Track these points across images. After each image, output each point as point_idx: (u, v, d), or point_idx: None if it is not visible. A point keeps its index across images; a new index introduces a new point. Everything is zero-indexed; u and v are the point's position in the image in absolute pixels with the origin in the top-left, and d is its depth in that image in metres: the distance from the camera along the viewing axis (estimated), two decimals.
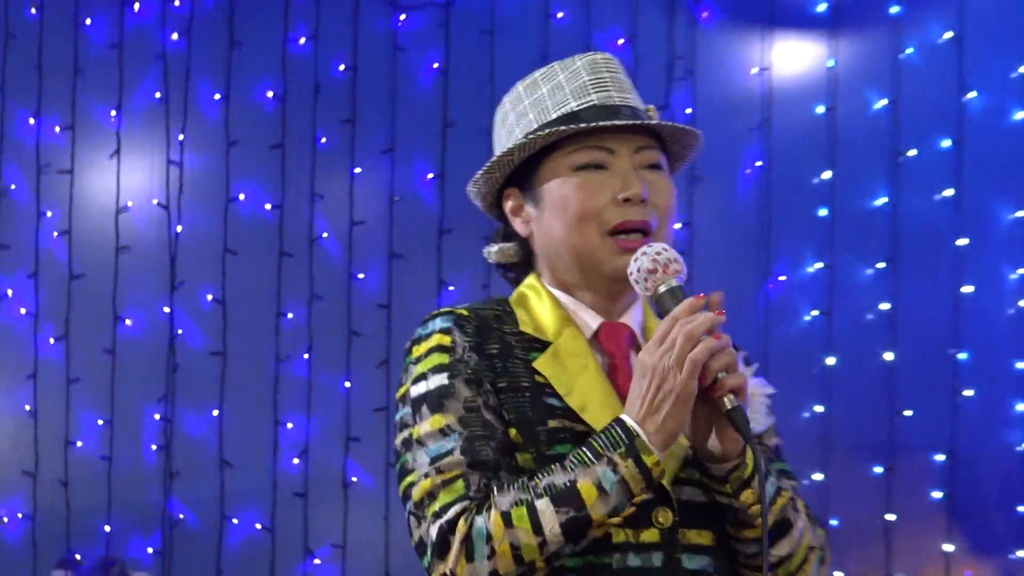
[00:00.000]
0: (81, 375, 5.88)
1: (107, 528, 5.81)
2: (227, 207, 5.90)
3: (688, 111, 5.94)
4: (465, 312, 2.22)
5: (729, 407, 2.05)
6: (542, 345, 2.21)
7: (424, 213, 5.90)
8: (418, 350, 2.20)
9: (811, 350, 5.87)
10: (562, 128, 2.19)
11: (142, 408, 5.87)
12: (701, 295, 2.09)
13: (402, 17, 5.93)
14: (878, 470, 5.93)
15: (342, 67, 5.94)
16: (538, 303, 2.25)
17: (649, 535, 2.12)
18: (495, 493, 2.08)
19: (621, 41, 5.92)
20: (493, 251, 2.34)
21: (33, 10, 5.91)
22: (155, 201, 5.91)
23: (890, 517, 5.92)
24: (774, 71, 6.03)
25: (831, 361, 5.87)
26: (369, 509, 5.82)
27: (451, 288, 5.78)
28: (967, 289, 5.94)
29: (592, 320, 2.24)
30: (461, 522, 2.07)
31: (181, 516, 5.83)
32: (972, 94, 5.98)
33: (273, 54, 5.93)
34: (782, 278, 5.99)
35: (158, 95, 5.90)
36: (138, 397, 5.87)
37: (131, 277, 5.89)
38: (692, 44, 6.01)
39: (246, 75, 5.94)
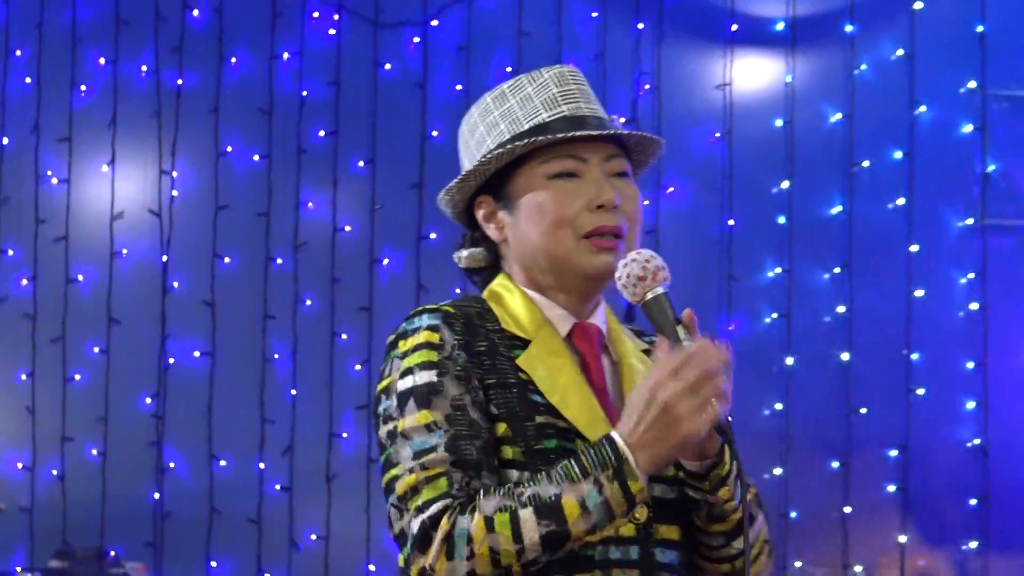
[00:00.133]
0: (77, 374, 5.85)
1: (101, 520, 5.79)
2: (216, 214, 5.89)
3: (654, 124, 5.95)
4: (451, 309, 2.19)
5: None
6: (522, 343, 2.19)
7: (403, 221, 5.88)
8: (404, 345, 2.16)
9: (771, 351, 5.90)
10: (540, 139, 2.19)
11: (135, 406, 5.83)
12: (691, 314, 2.10)
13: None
14: (835, 465, 5.97)
15: (326, 82, 5.96)
16: (513, 302, 2.23)
17: (626, 529, 2.13)
18: (481, 496, 2.06)
19: (590, 57, 5.96)
20: (463, 256, 2.32)
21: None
22: (148, 209, 5.91)
23: (847, 510, 5.95)
24: (735, 86, 6.07)
25: (790, 361, 5.92)
26: (351, 502, 5.81)
27: (429, 292, 5.74)
28: (919, 293, 6.00)
29: (564, 320, 2.23)
30: (444, 520, 2.05)
31: (172, 509, 5.82)
32: (922, 108, 6.06)
33: (260, 69, 5.92)
34: (742, 283, 6.03)
35: (151, 109, 5.89)
36: (131, 395, 5.82)
37: (124, 281, 5.85)
38: (657, 60, 6.04)
39: (234, 89, 5.91)
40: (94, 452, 5.84)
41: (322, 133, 5.96)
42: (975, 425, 6.04)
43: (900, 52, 6.11)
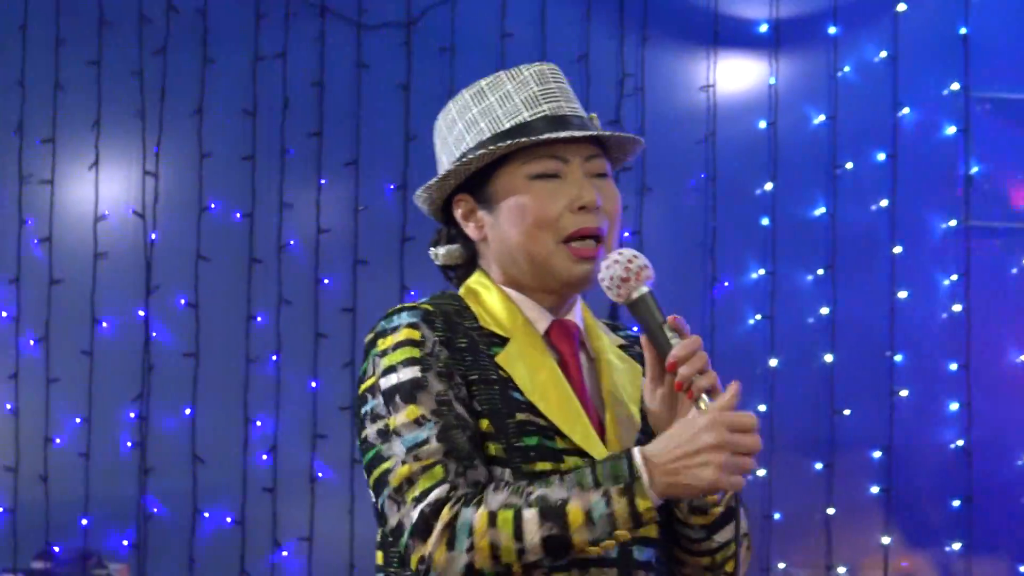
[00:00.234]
0: (60, 375, 5.81)
1: (84, 522, 5.77)
2: (200, 215, 5.87)
3: (637, 125, 5.96)
4: (430, 307, 2.19)
5: (704, 408, 2.06)
6: (501, 340, 2.19)
7: (387, 222, 5.88)
8: (384, 343, 2.16)
9: (754, 352, 5.91)
10: (522, 140, 2.18)
11: (118, 407, 5.81)
12: (680, 322, 2.12)
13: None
14: (818, 466, 5.98)
15: (309, 83, 5.95)
16: (490, 299, 2.23)
17: None
18: (491, 489, 2.06)
19: (574, 59, 5.95)
20: (440, 253, 2.33)
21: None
22: (131, 210, 5.89)
23: (830, 511, 5.96)
24: (718, 88, 6.07)
25: (773, 363, 5.93)
26: (335, 504, 5.80)
27: (412, 292, 5.73)
28: (902, 294, 6.01)
29: (542, 317, 2.24)
30: (446, 509, 2.04)
31: (155, 510, 5.79)
32: (906, 110, 6.07)
33: (244, 71, 5.91)
34: (726, 284, 6.04)
35: (135, 110, 5.86)
36: (114, 396, 5.80)
37: (108, 282, 5.83)
38: (641, 62, 6.04)
39: (218, 90, 5.90)
40: (77, 453, 5.81)
41: (306, 134, 5.94)
42: (958, 426, 6.04)
43: (883, 54, 6.12)
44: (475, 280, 2.28)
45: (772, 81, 6.11)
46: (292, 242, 5.94)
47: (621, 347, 2.33)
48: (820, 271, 6.06)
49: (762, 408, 5.86)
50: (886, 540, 6.00)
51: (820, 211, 6.09)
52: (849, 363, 6.00)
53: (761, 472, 5.93)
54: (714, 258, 6.04)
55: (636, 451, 2.04)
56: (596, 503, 2.02)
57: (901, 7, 6.12)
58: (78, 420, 5.83)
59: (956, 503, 6.04)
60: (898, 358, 6.05)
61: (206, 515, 5.84)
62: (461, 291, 2.28)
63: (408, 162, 5.91)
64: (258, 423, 5.87)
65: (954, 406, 6.06)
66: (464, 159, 2.22)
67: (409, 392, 2.12)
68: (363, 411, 2.16)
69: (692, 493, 2.05)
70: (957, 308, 6.08)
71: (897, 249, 6.06)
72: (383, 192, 5.97)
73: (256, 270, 5.91)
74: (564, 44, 5.97)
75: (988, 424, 6.04)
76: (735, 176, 6.05)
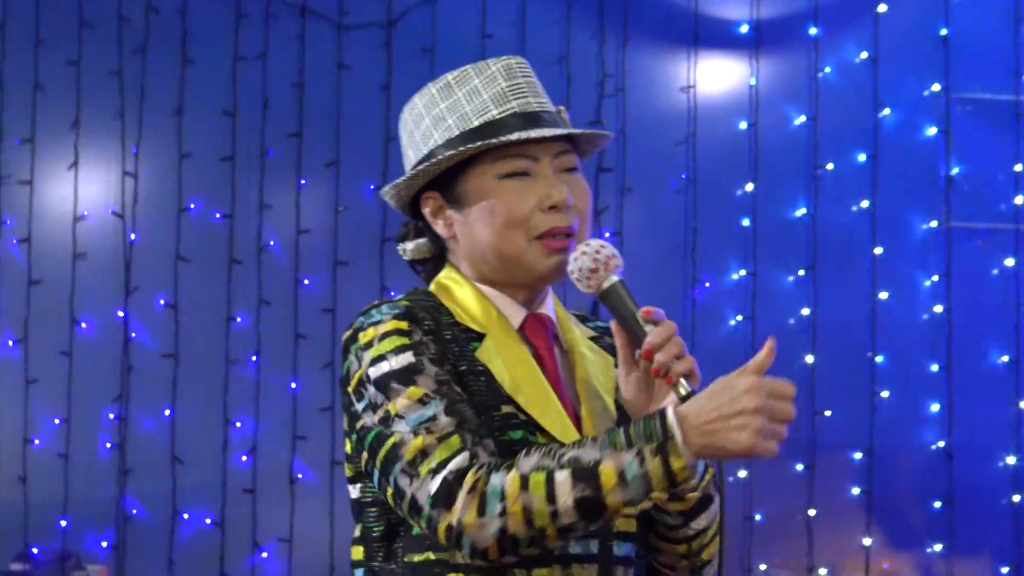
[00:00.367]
0: (39, 376, 5.80)
1: (63, 523, 5.75)
2: (179, 216, 5.87)
3: (618, 126, 5.96)
4: (408, 303, 2.18)
5: (684, 393, 2.04)
6: (477, 336, 2.18)
7: (367, 222, 5.87)
8: (366, 336, 2.13)
9: (735, 354, 5.84)
10: (493, 141, 2.16)
11: (97, 408, 5.80)
12: (650, 309, 2.11)
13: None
14: (799, 467, 5.98)
15: (289, 84, 5.95)
16: (462, 294, 2.22)
17: None
18: (521, 455, 2.02)
19: (554, 59, 5.96)
20: (409, 248, 2.31)
21: None
22: (111, 210, 5.88)
23: (811, 512, 5.96)
24: (699, 89, 6.07)
25: None
26: (315, 505, 5.79)
27: (392, 293, 5.66)
28: (883, 295, 6.02)
29: (516, 312, 2.23)
30: (470, 475, 2.01)
31: (134, 511, 5.78)
32: (886, 111, 6.08)
33: (224, 71, 5.91)
34: (707, 285, 6.04)
35: (114, 110, 5.86)
36: (93, 397, 5.79)
37: (87, 283, 5.82)
38: (621, 63, 6.04)
39: (198, 91, 5.90)
40: (56, 454, 5.80)
41: (286, 134, 5.94)
42: (939, 428, 6.05)
43: (864, 55, 6.13)
44: (445, 276, 2.26)
45: (753, 82, 6.12)
46: (272, 243, 5.94)
47: (592, 339, 2.33)
48: (801, 272, 6.07)
49: None
50: (867, 541, 6.00)
51: (801, 212, 6.10)
52: (830, 364, 6.00)
53: (742, 473, 5.94)
54: (695, 259, 6.04)
55: (670, 410, 2.00)
56: (629, 463, 1.98)
57: (882, 8, 6.13)
58: (57, 421, 5.82)
59: (937, 504, 6.04)
60: (879, 359, 6.05)
61: (186, 516, 5.84)
62: (432, 287, 2.27)
63: (388, 163, 5.90)
64: (238, 424, 5.87)
65: (935, 407, 6.08)
66: (434, 160, 2.20)
67: (406, 376, 2.09)
68: (355, 409, 2.13)
69: (726, 455, 2.00)
70: (938, 309, 6.09)
71: (878, 250, 6.07)
72: (363, 193, 5.97)
73: (236, 271, 5.90)
74: (544, 44, 5.98)
75: (969, 425, 6.05)
76: (716, 177, 6.05)
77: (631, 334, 2.13)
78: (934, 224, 6.12)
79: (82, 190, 5.91)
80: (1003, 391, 6.09)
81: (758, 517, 5.99)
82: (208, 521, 5.84)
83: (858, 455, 6.03)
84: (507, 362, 2.16)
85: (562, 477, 1.99)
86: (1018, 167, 6.14)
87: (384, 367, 2.10)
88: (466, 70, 2.24)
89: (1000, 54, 6.16)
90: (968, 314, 6.07)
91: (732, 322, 6.06)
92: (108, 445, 5.83)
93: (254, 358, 5.90)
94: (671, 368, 2.06)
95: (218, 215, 5.93)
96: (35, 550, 5.77)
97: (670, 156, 6.05)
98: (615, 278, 2.14)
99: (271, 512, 5.84)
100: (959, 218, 6.09)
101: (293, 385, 5.90)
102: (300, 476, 5.87)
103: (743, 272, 6.07)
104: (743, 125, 6.10)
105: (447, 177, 2.22)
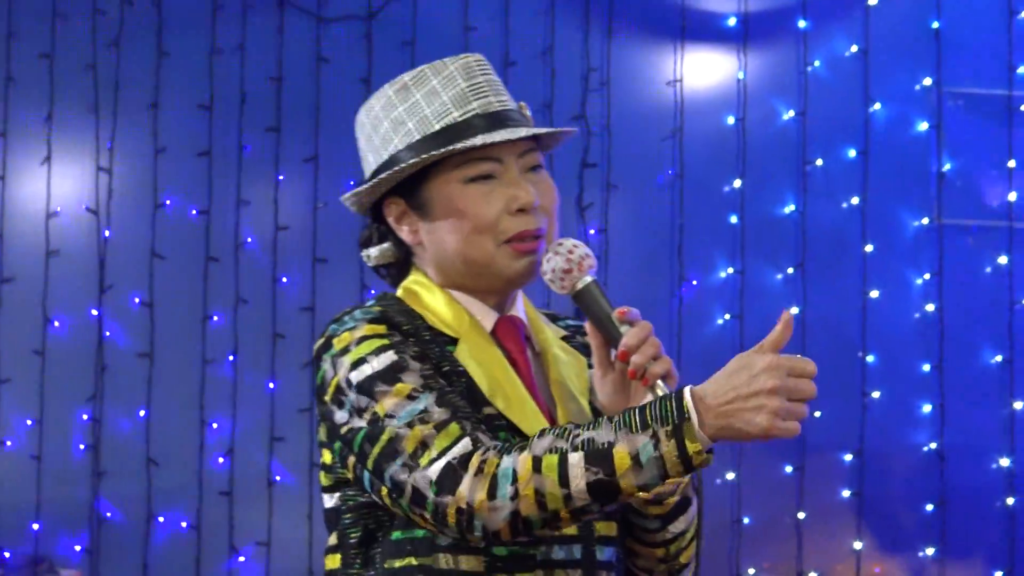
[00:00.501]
0: (11, 376, 5.75)
1: (36, 526, 5.72)
2: (155, 212, 5.83)
3: (603, 121, 5.97)
4: (382, 308, 2.17)
5: (661, 395, 2.02)
6: (452, 340, 2.18)
7: (346, 219, 5.85)
8: (341, 342, 2.12)
9: (723, 353, 5.58)
10: (457, 146, 2.15)
11: (71, 408, 5.76)
12: (625, 309, 2.09)
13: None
14: (788, 469, 5.97)
15: (267, 77, 5.91)
16: (432, 299, 2.21)
17: (571, 528, 2.11)
18: (534, 437, 2.00)
19: (538, 53, 5.93)
20: (373, 254, 2.30)
21: None
22: (84, 207, 5.83)
23: (800, 515, 5.95)
24: (686, 83, 6.06)
25: None
26: (293, 508, 5.77)
27: (373, 292, 5.69)
28: (873, 294, 6.02)
29: (488, 315, 2.22)
30: (475, 457, 1.99)
31: (109, 514, 5.75)
32: (877, 106, 6.07)
33: (200, 64, 5.87)
34: (694, 283, 6.02)
35: (88, 104, 5.82)
36: (67, 398, 5.75)
37: (60, 281, 5.78)
38: (607, 56, 6.02)
39: (174, 84, 5.86)
40: (28, 456, 5.77)
41: (264, 129, 5.90)
42: (931, 429, 6.04)
43: (854, 48, 6.12)
44: (413, 280, 2.24)
45: (741, 76, 6.11)
46: (250, 240, 5.91)
47: (564, 338, 2.31)
48: (790, 270, 6.06)
49: None
50: (858, 545, 6.00)
51: (790, 209, 6.10)
52: (820, 364, 5.71)
53: (730, 475, 5.95)
54: (681, 257, 6.02)
55: (687, 391, 1.97)
56: (644, 446, 1.95)
57: (872, 0, 6.13)
58: (29, 422, 5.79)
59: (929, 507, 6.04)
60: (870, 359, 6.05)
61: (161, 519, 5.81)
62: (400, 292, 2.24)
63: None
64: (214, 425, 5.84)
65: (927, 408, 6.07)
66: (396, 167, 2.18)
67: (390, 375, 2.07)
68: (336, 418, 2.09)
69: (744, 437, 1.96)
70: (930, 308, 6.08)
71: (868, 248, 6.07)
72: (343, 189, 5.90)
73: (212, 268, 5.87)
74: (528, 37, 5.96)
75: (962, 426, 6.05)
76: (703, 173, 6.05)
77: (606, 335, 2.12)
78: (925, 221, 6.12)
79: (55, 186, 5.87)
80: (996, 391, 6.09)
81: (746, 520, 5.98)
82: (184, 524, 5.81)
83: (848, 457, 6.03)
84: (483, 366, 2.16)
85: (575, 459, 1.96)
86: (1011, 163, 6.14)
87: (366, 370, 2.08)
88: (423, 71, 2.22)
89: (993, 48, 6.15)
90: (960, 313, 6.07)
91: (720, 321, 6.04)
92: (82, 447, 5.80)
93: (231, 358, 5.87)
94: (648, 370, 2.05)
95: (194, 211, 5.90)
96: (7, 554, 5.73)
97: (656, 151, 6.04)
98: (589, 278, 2.13)
99: (248, 515, 5.81)
100: (951, 215, 6.09)
101: (271, 385, 5.87)
102: (278, 478, 5.85)
103: (731, 270, 6.05)
104: (731, 120, 6.09)
105: (409, 182, 2.20)
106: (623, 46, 6.05)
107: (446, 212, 2.18)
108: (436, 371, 2.11)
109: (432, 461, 2.00)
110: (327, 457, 2.17)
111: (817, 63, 6.10)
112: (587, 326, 2.14)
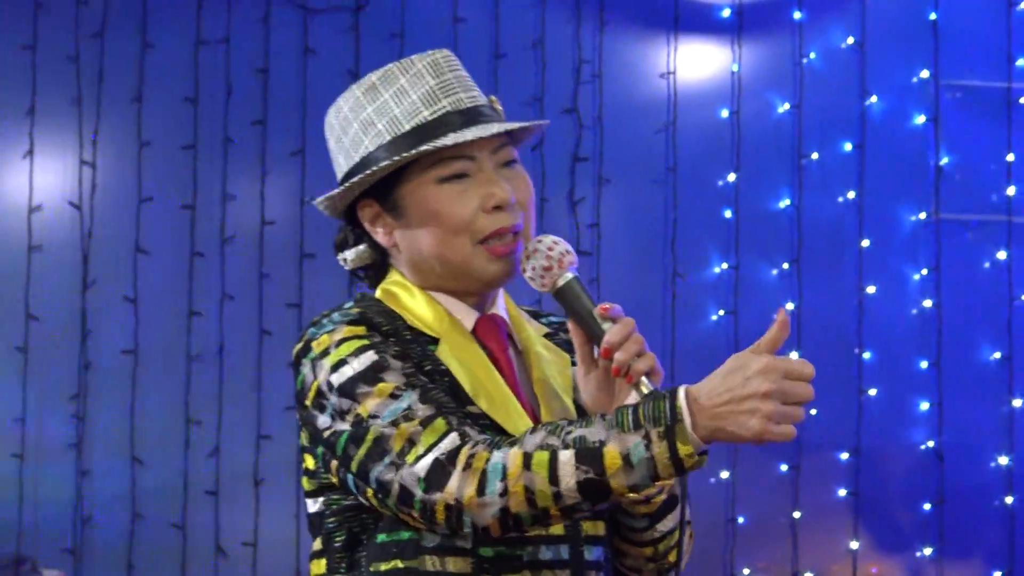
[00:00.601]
0: None
1: (18, 526, 5.71)
2: (139, 207, 5.81)
3: (595, 114, 5.96)
4: (361, 309, 2.16)
5: (647, 392, 2.02)
6: (433, 340, 2.17)
7: None
8: (320, 345, 2.12)
9: (717, 349, 5.89)
10: (427, 147, 2.14)
11: (54, 406, 5.75)
12: (608, 305, 2.08)
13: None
14: (784, 468, 5.97)
15: (253, 70, 5.89)
16: (411, 300, 2.20)
17: (557, 528, 2.11)
18: (527, 433, 1.99)
19: (529, 45, 5.91)
20: (349, 257, 2.29)
21: None
22: (68, 201, 5.81)
23: (796, 515, 5.96)
24: (679, 75, 6.06)
25: None
26: (280, 507, 5.76)
27: (359, 287, 5.67)
28: (870, 289, 6.03)
29: (468, 315, 2.22)
30: (463, 452, 1.98)
31: (93, 514, 5.74)
32: (873, 98, 6.08)
33: (185, 56, 5.86)
34: (688, 279, 6.00)
35: (71, 97, 5.80)
36: (50, 395, 5.74)
37: (43, 276, 5.76)
38: (598, 48, 6.02)
39: (158, 77, 5.85)
40: (11, 455, 5.74)
41: (250, 122, 5.89)
42: (929, 427, 6.04)
43: (850, 40, 6.10)
44: (392, 282, 2.23)
45: (735, 68, 6.10)
46: (235, 235, 5.90)
47: (547, 335, 2.31)
48: (785, 265, 6.05)
49: None
50: (854, 545, 5.99)
51: (785, 203, 6.08)
52: (816, 361, 5.66)
53: (724, 474, 5.95)
54: (675, 252, 6.01)
55: (681, 390, 1.96)
56: (635, 446, 1.94)
57: None
58: (11, 420, 5.76)
59: (927, 506, 6.03)
60: (866, 356, 6.04)
61: (146, 519, 5.78)
62: (379, 293, 2.23)
63: None
64: (200, 423, 5.82)
65: (925, 406, 6.06)
66: (369, 170, 2.17)
67: (371, 376, 2.06)
68: (318, 423, 2.09)
69: (736, 440, 1.95)
70: (928, 304, 6.07)
71: (865, 243, 6.05)
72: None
73: (198, 264, 5.85)
74: (519, 29, 5.94)
75: (960, 424, 6.04)
76: (696, 167, 6.04)
77: (589, 332, 2.11)
78: (923, 216, 6.11)
79: (38, 180, 5.84)
80: (995, 389, 6.08)
81: (741, 520, 5.97)
82: (169, 524, 5.79)
83: (845, 455, 6.02)
84: (465, 366, 2.16)
85: (566, 457, 1.96)
86: (1010, 157, 6.13)
87: (347, 371, 2.07)
88: (390, 69, 2.22)
89: (991, 40, 6.14)
90: (959, 309, 6.06)
91: (714, 317, 6.03)
92: (65, 445, 5.77)
93: (217, 354, 5.84)
94: (632, 367, 2.04)
95: (179, 206, 5.89)
96: None
97: (649, 145, 6.03)
98: (570, 275, 2.13)
99: (235, 515, 5.80)
100: (949, 210, 6.08)
101: (258, 383, 5.85)
102: (265, 478, 5.83)
103: (725, 265, 6.04)
104: (725, 113, 6.08)
105: (383, 184, 2.20)
106: (615, 38, 6.04)
107: (420, 213, 2.17)
108: (418, 370, 2.09)
109: (419, 458, 1.99)
110: (310, 462, 2.18)
111: (813, 55, 6.09)
112: (569, 323, 2.13)
